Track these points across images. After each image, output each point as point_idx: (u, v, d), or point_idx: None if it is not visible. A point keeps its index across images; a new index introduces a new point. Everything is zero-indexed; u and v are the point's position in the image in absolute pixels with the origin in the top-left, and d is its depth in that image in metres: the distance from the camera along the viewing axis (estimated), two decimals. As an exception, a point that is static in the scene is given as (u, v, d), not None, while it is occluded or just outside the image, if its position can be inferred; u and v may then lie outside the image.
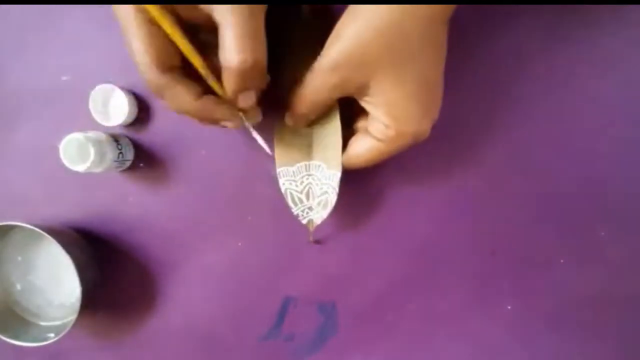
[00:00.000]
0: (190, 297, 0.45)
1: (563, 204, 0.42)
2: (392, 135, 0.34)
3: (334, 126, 0.38)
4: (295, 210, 0.40)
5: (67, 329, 0.40)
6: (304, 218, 0.40)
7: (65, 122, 0.43)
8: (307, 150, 0.40)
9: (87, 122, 0.42)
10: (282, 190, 0.40)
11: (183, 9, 0.31)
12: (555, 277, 0.43)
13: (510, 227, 0.43)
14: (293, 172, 0.40)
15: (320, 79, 0.34)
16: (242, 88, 0.33)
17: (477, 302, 0.43)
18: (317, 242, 0.43)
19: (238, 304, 0.45)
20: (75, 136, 0.39)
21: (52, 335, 0.41)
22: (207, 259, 0.44)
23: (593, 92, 0.41)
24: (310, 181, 0.40)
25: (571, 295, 0.43)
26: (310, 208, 0.40)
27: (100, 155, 0.39)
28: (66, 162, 0.39)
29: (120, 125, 0.43)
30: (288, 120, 0.38)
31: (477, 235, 0.43)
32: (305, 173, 0.40)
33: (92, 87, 0.41)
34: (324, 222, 0.40)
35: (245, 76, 0.31)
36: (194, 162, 0.43)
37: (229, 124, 0.35)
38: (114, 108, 0.43)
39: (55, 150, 0.39)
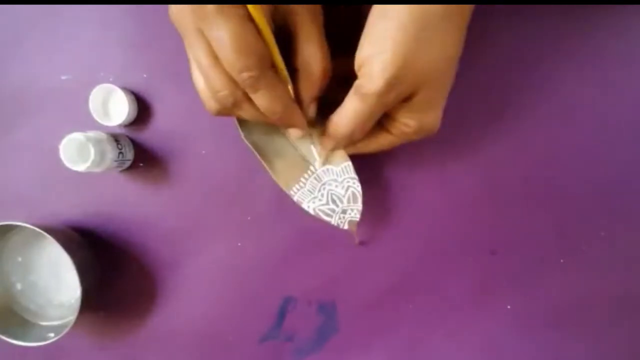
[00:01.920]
0: (190, 297, 0.45)
1: (563, 204, 0.42)
2: (409, 132, 0.34)
3: (321, 127, 0.37)
4: (333, 222, 0.39)
5: (67, 329, 0.40)
6: (343, 224, 0.40)
7: (65, 122, 0.43)
8: (303, 159, 0.40)
9: (87, 122, 0.42)
10: (311, 212, 0.39)
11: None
12: (555, 277, 0.43)
13: (510, 227, 0.43)
14: (309, 190, 0.39)
15: (374, 104, 0.31)
16: (317, 95, 0.34)
17: (477, 301, 0.43)
18: (361, 243, 0.43)
19: (238, 304, 0.45)
20: (75, 136, 0.39)
21: (52, 335, 0.41)
22: (207, 259, 0.44)
23: (594, 93, 0.41)
24: (329, 188, 0.39)
25: (571, 295, 0.43)
26: (343, 211, 0.39)
27: (100, 155, 0.39)
28: (66, 162, 0.39)
29: (120, 125, 0.43)
30: (328, 145, 0.37)
31: (477, 235, 0.43)
32: (319, 185, 0.39)
33: (92, 87, 0.41)
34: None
35: (323, 84, 0.33)
36: (194, 162, 0.43)
37: (297, 132, 0.36)
38: (114, 108, 0.43)
39: (55, 150, 0.39)
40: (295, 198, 0.39)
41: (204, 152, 0.43)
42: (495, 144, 0.42)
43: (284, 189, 0.39)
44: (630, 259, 0.42)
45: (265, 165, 0.38)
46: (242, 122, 0.38)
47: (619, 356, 0.43)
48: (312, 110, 0.35)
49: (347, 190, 0.39)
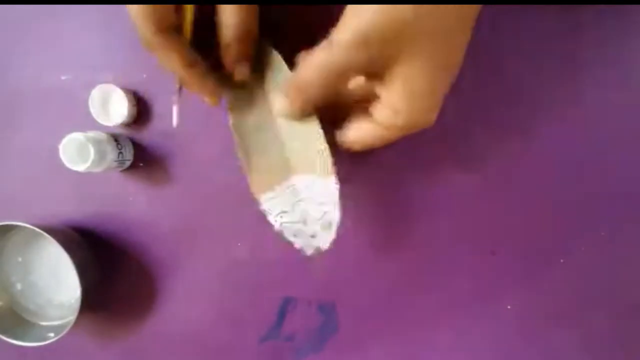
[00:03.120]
0: (190, 297, 0.45)
1: (563, 204, 0.42)
2: (400, 124, 0.30)
3: (310, 124, 0.33)
4: (298, 244, 0.35)
5: (67, 329, 0.40)
6: (309, 248, 0.36)
7: (65, 122, 0.43)
8: (285, 163, 0.36)
9: (87, 122, 0.42)
10: (276, 227, 0.35)
11: None
12: (555, 277, 0.43)
13: (510, 227, 0.43)
14: (280, 202, 0.35)
15: (339, 57, 0.28)
16: (235, 59, 0.34)
17: (477, 301, 0.43)
18: (320, 275, 0.42)
19: (238, 304, 0.45)
20: (75, 136, 0.39)
21: (52, 335, 0.41)
22: (207, 258, 0.44)
23: (594, 93, 0.41)
24: (304, 206, 0.35)
25: (571, 295, 0.43)
26: (313, 236, 0.35)
27: (100, 155, 0.39)
28: (66, 162, 0.39)
29: (120, 125, 0.43)
30: (283, 108, 0.33)
31: (477, 235, 0.43)
32: (295, 200, 0.35)
33: (92, 87, 0.41)
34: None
35: (241, 47, 0.33)
36: (194, 163, 0.43)
37: (208, 99, 0.35)
38: (114, 108, 0.43)
39: (55, 150, 0.39)
40: (263, 207, 0.35)
41: (204, 152, 0.43)
42: (495, 144, 0.42)
43: (255, 192, 0.36)
44: (630, 259, 0.42)
45: (242, 158, 0.36)
46: (233, 109, 0.36)
47: (619, 356, 0.43)
48: (238, 72, 0.34)
49: (323, 215, 0.34)
